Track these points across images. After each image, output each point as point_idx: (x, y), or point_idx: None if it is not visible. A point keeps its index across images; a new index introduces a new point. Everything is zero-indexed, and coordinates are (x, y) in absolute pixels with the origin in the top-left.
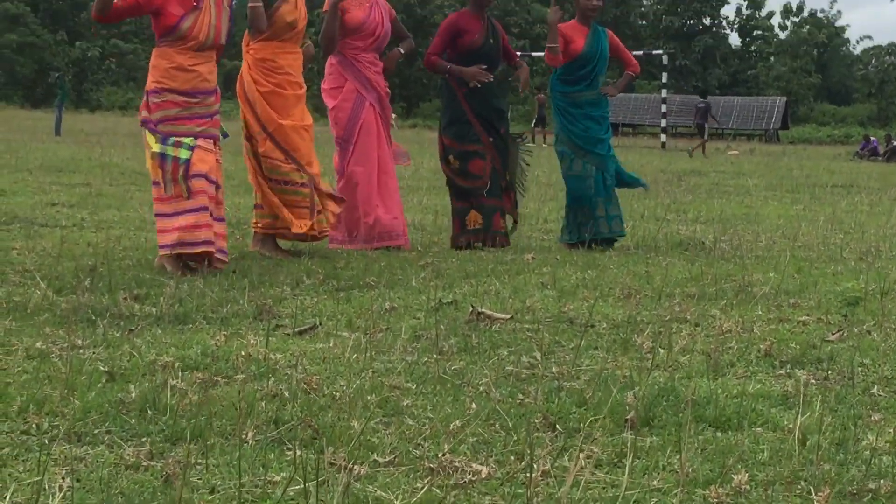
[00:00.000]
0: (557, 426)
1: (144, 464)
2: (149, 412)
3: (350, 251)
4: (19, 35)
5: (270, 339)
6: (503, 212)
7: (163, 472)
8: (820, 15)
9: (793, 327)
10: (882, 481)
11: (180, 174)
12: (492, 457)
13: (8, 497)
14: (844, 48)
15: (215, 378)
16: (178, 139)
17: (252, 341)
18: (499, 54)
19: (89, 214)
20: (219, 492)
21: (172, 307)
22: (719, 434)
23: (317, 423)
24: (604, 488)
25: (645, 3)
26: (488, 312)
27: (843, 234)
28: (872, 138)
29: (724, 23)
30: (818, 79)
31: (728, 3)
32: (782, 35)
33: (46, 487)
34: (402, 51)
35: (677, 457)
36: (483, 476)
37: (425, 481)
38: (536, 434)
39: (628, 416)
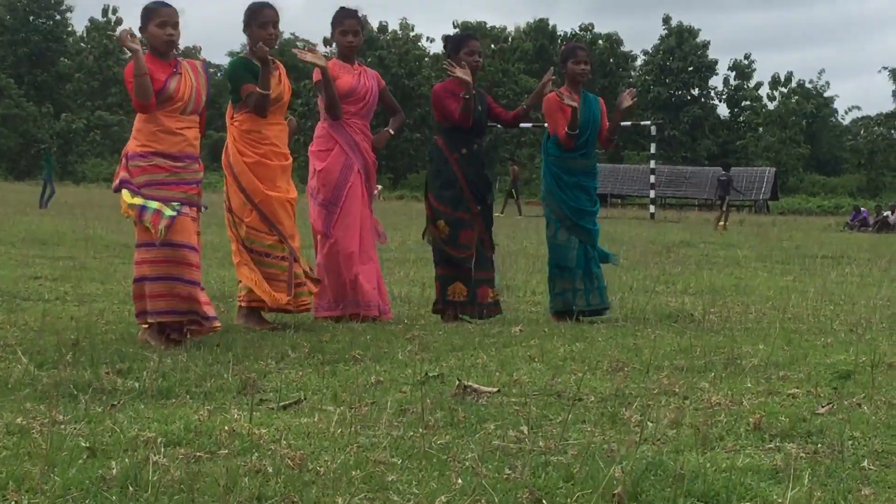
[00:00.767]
0: (544, 502)
1: None
2: (130, 489)
3: (336, 324)
4: (3, 107)
5: (254, 413)
6: (490, 283)
7: None
8: (808, 85)
9: (782, 400)
10: None
11: (161, 225)
12: None
13: None
14: (833, 118)
15: (198, 454)
16: (164, 203)
17: (236, 416)
18: (485, 123)
19: (72, 288)
20: None
21: (155, 381)
22: None
23: (301, 500)
24: None
25: (633, 73)
26: (475, 386)
27: (834, 305)
28: (863, 209)
29: (713, 93)
30: (807, 149)
31: (716, 73)
32: (771, 105)
33: None
34: (392, 131)
35: None
36: None
37: None
38: None
39: (616, 491)
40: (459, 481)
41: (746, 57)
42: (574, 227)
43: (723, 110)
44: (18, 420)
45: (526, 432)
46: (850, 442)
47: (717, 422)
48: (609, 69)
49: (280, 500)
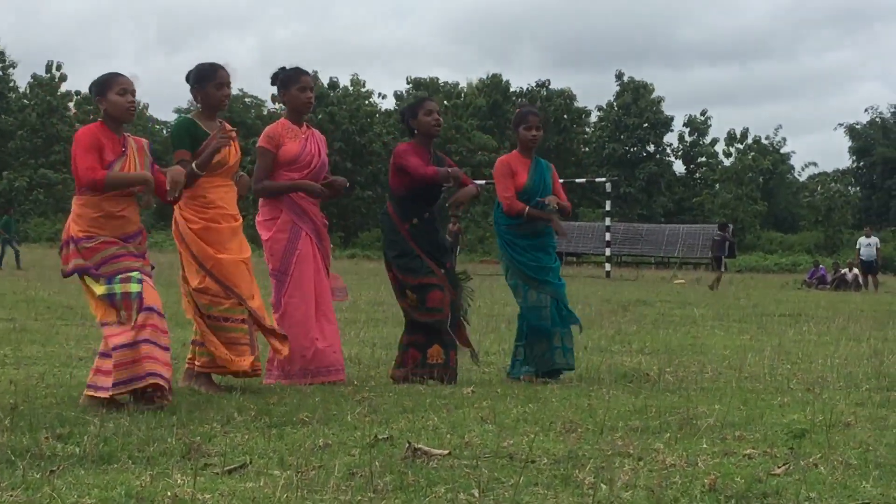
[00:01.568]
0: None
1: None
2: None
3: (285, 386)
4: None
5: (198, 478)
6: (456, 347)
7: None
8: (765, 141)
9: (738, 461)
10: None
11: (135, 308)
12: None
13: None
14: (790, 175)
15: None
16: (125, 275)
17: (179, 481)
18: (440, 189)
19: (12, 350)
20: None
21: (96, 446)
22: None
23: None
24: None
25: (587, 129)
26: (425, 448)
27: (791, 364)
28: (821, 266)
29: (669, 150)
30: (764, 206)
31: (672, 129)
32: (727, 162)
33: None
34: (347, 184)
35: None
36: None
37: None
38: None
39: None
40: None
41: (703, 113)
42: (541, 285)
43: (679, 167)
44: None
45: (477, 496)
46: (807, 503)
47: (672, 483)
48: (564, 125)
49: None
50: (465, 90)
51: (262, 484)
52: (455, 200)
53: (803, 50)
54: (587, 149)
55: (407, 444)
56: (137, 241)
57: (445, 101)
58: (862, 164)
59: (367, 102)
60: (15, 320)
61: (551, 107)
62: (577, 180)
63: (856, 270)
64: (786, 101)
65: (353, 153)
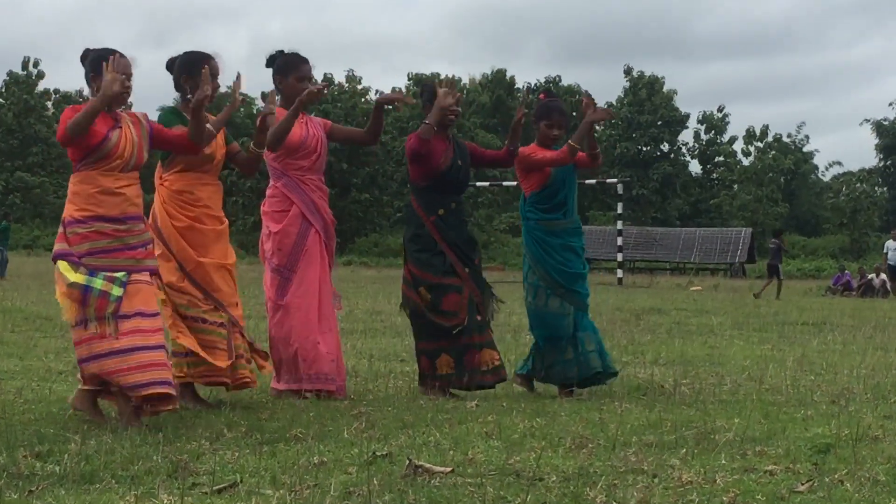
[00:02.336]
0: None
1: None
2: None
3: (277, 400)
4: None
5: (186, 498)
6: (485, 345)
7: None
8: (786, 140)
9: (759, 477)
10: None
11: (108, 311)
12: None
13: None
14: (813, 175)
15: None
16: (110, 274)
17: (166, 501)
18: (467, 177)
19: None
20: None
21: (78, 465)
22: None
23: None
24: None
25: (598, 128)
26: (427, 466)
27: (814, 375)
28: (846, 272)
29: (684, 149)
30: (786, 208)
31: (687, 127)
32: (746, 161)
33: None
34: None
35: None
36: None
37: None
38: None
39: None
40: None
41: (720, 109)
42: (567, 294)
43: (695, 167)
44: None
45: None
46: None
47: (689, 501)
48: (574, 123)
49: None
50: (468, 86)
51: None
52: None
53: (827, 42)
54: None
55: (407, 462)
56: (139, 227)
57: None
58: (889, 162)
59: (363, 100)
60: None
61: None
62: (588, 181)
63: (883, 276)
64: (808, 97)
65: (350, 154)
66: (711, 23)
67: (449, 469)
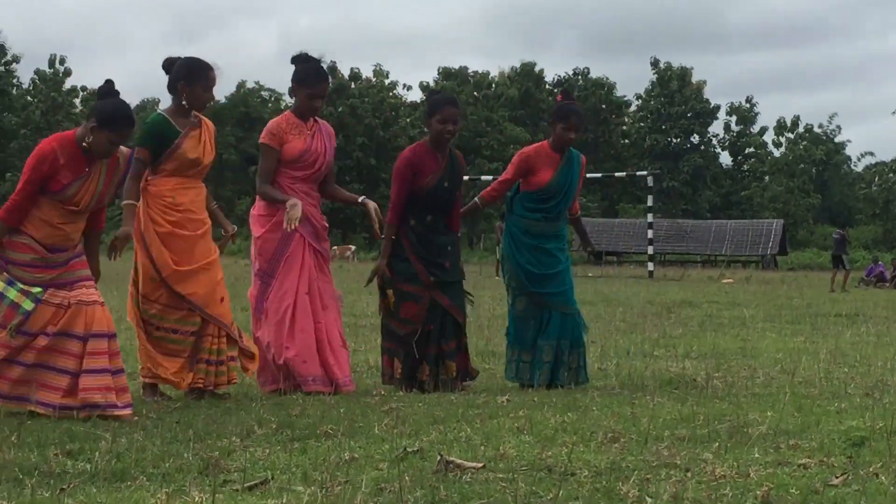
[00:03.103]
0: None
1: None
2: None
3: (306, 397)
4: None
5: (217, 495)
6: (451, 356)
7: None
8: (817, 130)
9: (793, 471)
10: None
11: (13, 323)
12: None
13: None
14: (845, 165)
15: None
16: (25, 287)
17: (197, 498)
18: (453, 197)
19: None
20: None
21: (109, 463)
22: None
23: None
24: None
25: (627, 120)
26: (458, 461)
27: (848, 368)
28: (879, 262)
29: (714, 141)
30: (818, 199)
31: (717, 118)
32: (777, 153)
33: None
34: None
35: None
36: None
37: None
38: None
39: None
40: None
41: (748, 100)
42: (535, 296)
43: (725, 158)
44: None
45: None
46: None
47: (723, 495)
48: (602, 117)
49: None
50: (496, 80)
51: (284, 501)
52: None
53: (860, 32)
54: (627, 141)
55: (438, 457)
56: (65, 255)
57: (475, 93)
58: None
59: (391, 95)
60: None
61: (590, 98)
62: (617, 174)
63: None
64: (840, 87)
65: (377, 148)
66: (742, 13)
67: (480, 464)
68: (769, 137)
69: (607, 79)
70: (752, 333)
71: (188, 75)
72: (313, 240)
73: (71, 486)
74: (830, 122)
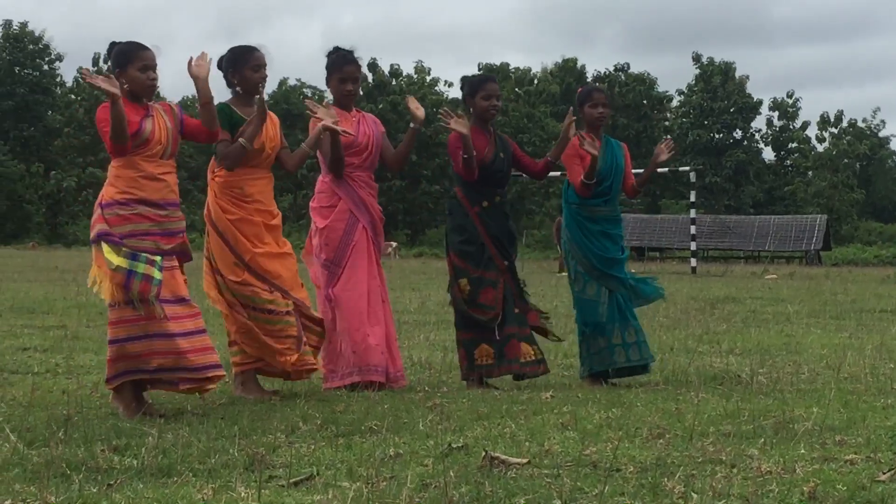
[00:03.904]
0: None
1: None
2: None
3: (350, 393)
4: None
5: (263, 491)
6: (526, 339)
7: None
8: (861, 125)
9: (839, 467)
10: None
11: (152, 294)
12: None
13: None
14: (890, 160)
15: None
16: (150, 256)
17: (243, 494)
18: (508, 172)
19: (64, 359)
20: None
21: (155, 459)
22: None
23: None
24: None
25: (669, 115)
26: (503, 457)
27: (894, 363)
28: None
29: (757, 136)
30: (862, 194)
31: (759, 114)
32: (820, 147)
33: None
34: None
35: None
36: None
37: None
38: None
39: None
40: None
41: (789, 95)
42: (603, 277)
43: (768, 154)
44: (7, 502)
45: None
46: None
47: (769, 492)
48: (644, 112)
49: None
50: (538, 76)
51: (330, 496)
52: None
53: None
54: (668, 136)
55: (483, 453)
56: (177, 214)
57: (517, 89)
58: None
59: (432, 91)
60: (66, 327)
61: (630, 93)
62: (659, 170)
63: None
64: (884, 81)
65: (419, 145)
66: (784, 7)
67: (525, 460)
68: (812, 132)
69: (648, 74)
70: (797, 329)
71: (234, 61)
72: (371, 230)
73: (118, 481)
74: (874, 117)
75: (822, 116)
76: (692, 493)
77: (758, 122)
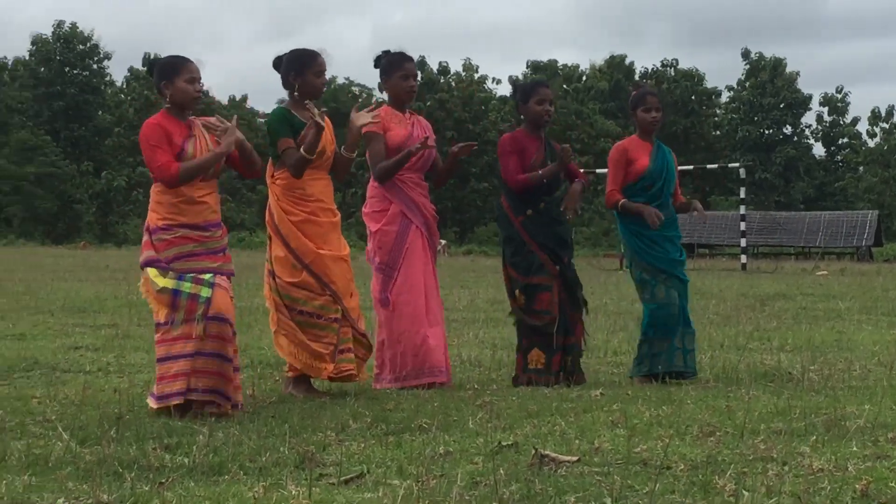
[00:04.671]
0: None
1: None
2: None
3: (400, 391)
4: (38, 166)
5: (313, 489)
6: (568, 350)
7: None
8: None
9: (892, 465)
10: None
11: (199, 313)
12: None
13: None
14: None
15: None
16: (197, 276)
17: (293, 492)
18: (559, 178)
19: (115, 358)
20: None
21: (206, 457)
22: None
23: None
24: None
25: (718, 112)
26: (553, 455)
27: None
28: None
29: (807, 132)
30: None
31: (810, 109)
32: (871, 143)
33: None
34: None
35: None
36: None
37: None
38: None
39: None
40: None
41: (839, 90)
42: (671, 279)
43: (818, 150)
44: (60, 501)
45: None
46: None
47: (820, 489)
48: (692, 108)
49: None
50: (587, 73)
51: (380, 494)
52: (566, 207)
53: None
54: (718, 132)
55: (533, 451)
56: (218, 233)
57: (565, 85)
58: None
59: (480, 88)
60: (117, 326)
61: (678, 89)
62: (709, 166)
63: None
64: None
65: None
66: (835, 2)
67: (575, 458)
68: (863, 127)
69: (696, 70)
70: (848, 326)
71: (298, 65)
72: (425, 230)
73: (169, 479)
74: None
75: (873, 111)
76: (743, 492)
77: (808, 117)
